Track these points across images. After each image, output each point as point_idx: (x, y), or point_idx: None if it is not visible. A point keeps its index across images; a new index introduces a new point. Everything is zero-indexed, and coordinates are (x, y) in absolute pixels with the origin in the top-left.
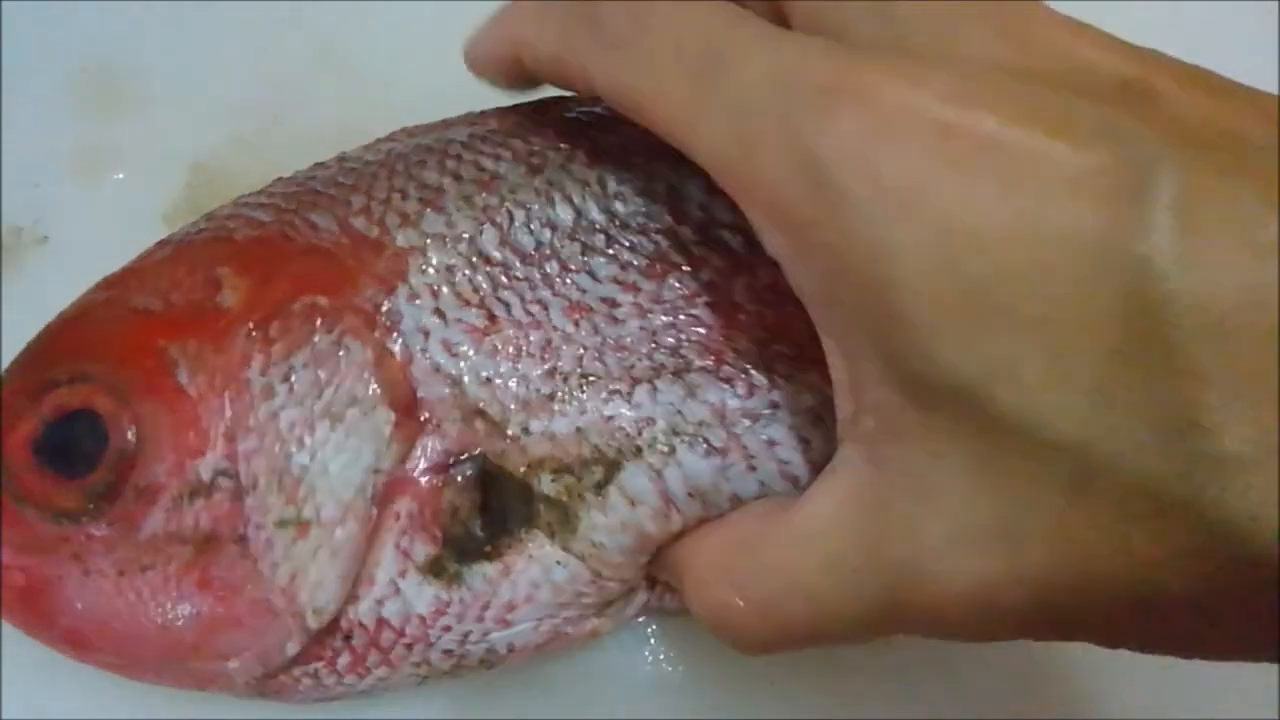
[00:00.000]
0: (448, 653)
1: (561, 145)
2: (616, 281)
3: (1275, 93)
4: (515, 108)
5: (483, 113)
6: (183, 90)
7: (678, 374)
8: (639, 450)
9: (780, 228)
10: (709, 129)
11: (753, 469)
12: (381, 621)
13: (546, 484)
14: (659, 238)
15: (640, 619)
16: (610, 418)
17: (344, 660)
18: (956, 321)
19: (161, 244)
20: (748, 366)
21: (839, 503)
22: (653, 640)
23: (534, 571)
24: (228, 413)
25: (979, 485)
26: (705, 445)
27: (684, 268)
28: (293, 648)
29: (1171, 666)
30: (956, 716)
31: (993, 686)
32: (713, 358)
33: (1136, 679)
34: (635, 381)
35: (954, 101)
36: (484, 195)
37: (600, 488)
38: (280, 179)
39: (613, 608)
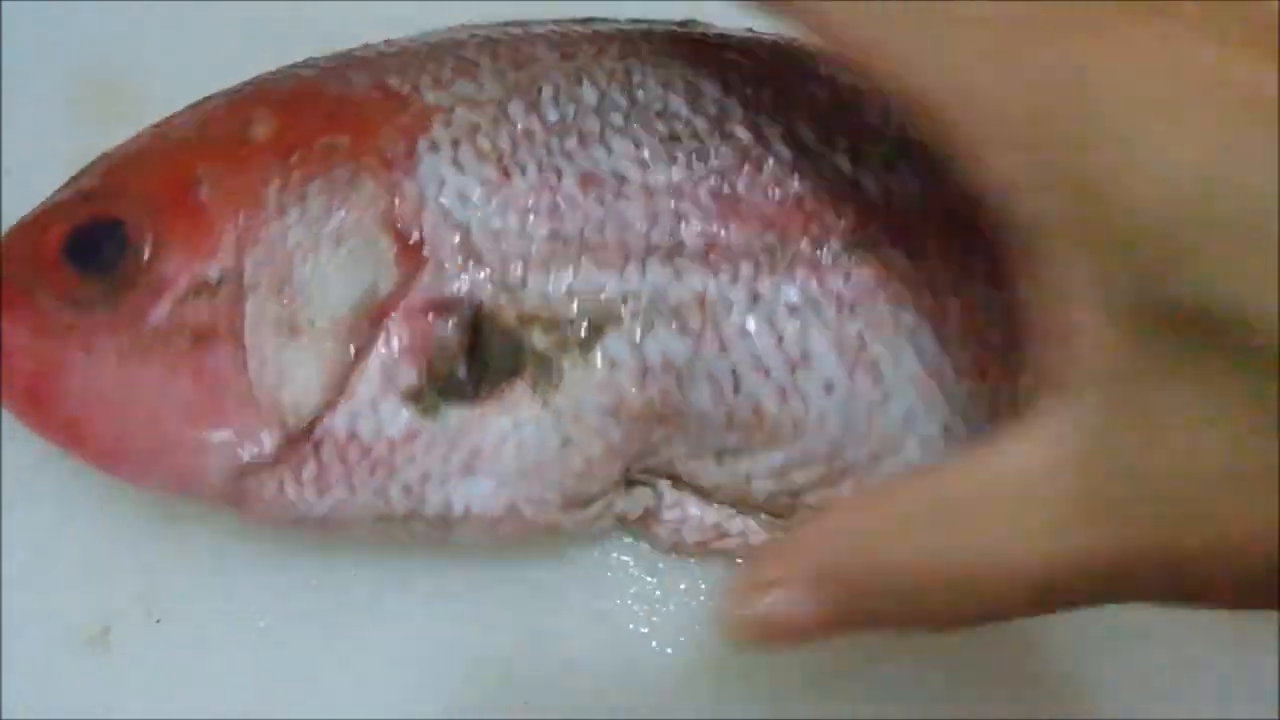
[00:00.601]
0: (407, 490)
1: (596, 43)
2: (629, 159)
3: None
4: (560, 20)
5: (528, 20)
6: (182, 94)
7: (669, 255)
8: (621, 320)
9: (1020, 148)
10: (939, 60)
11: (724, 353)
12: (353, 435)
13: (537, 337)
14: (675, 123)
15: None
16: (599, 286)
17: (309, 470)
18: (1219, 240)
19: (211, 96)
20: (736, 257)
21: (1064, 455)
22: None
23: (505, 423)
24: (241, 225)
25: (1241, 421)
26: (681, 325)
27: (694, 153)
28: (270, 444)
29: (1172, 665)
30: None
31: (991, 689)
32: (704, 242)
33: (1137, 678)
34: (628, 257)
35: (1193, 30)
36: (516, 72)
37: (585, 347)
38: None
39: (575, 508)
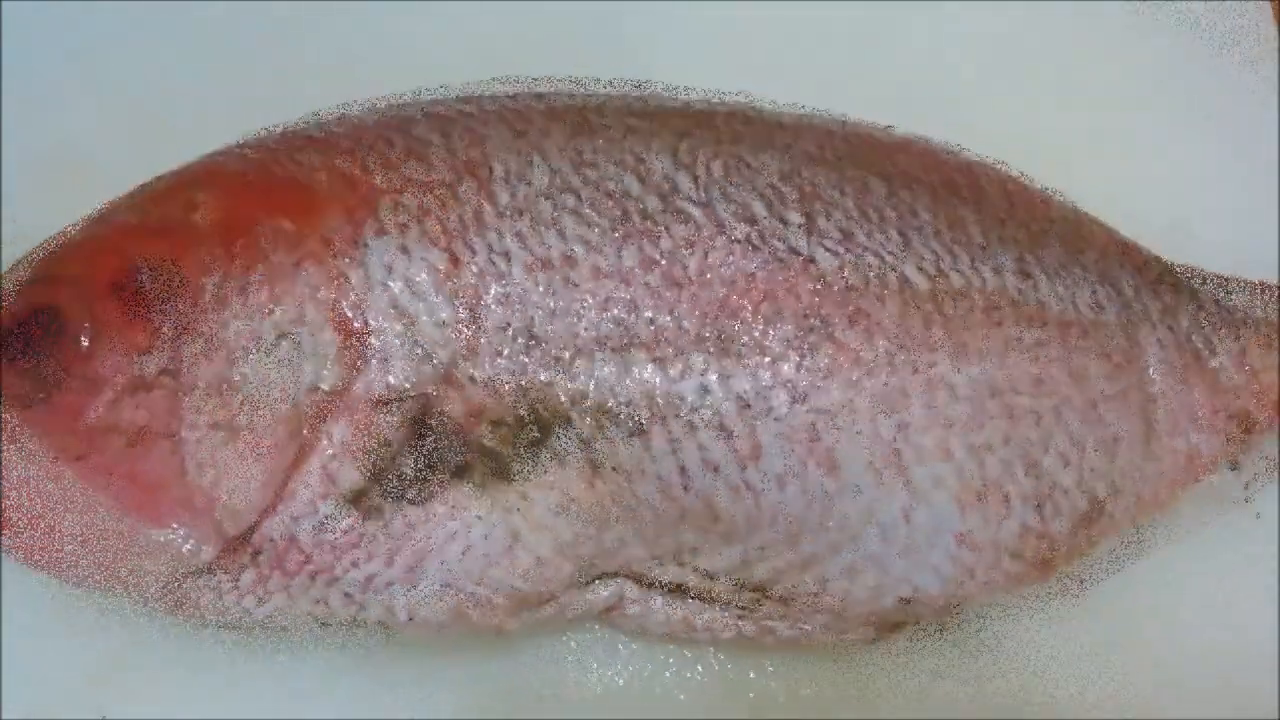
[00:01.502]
0: (348, 596)
1: (547, 118)
2: (580, 240)
3: None
4: (516, 93)
5: (478, 95)
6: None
7: (617, 350)
8: (569, 420)
9: None
10: None
11: (675, 451)
12: (292, 541)
13: (485, 434)
14: (625, 202)
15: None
16: (548, 384)
17: (247, 578)
18: None
19: (159, 177)
20: (685, 349)
21: None
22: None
23: (453, 524)
24: (179, 317)
25: None
26: (630, 426)
27: (644, 233)
28: (207, 552)
29: (1171, 666)
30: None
31: (993, 688)
32: (654, 331)
33: (1137, 679)
34: (577, 352)
35: None
36: (467, 151)
37: (533, 446)
38: (278, 127)
39: (525, 609)
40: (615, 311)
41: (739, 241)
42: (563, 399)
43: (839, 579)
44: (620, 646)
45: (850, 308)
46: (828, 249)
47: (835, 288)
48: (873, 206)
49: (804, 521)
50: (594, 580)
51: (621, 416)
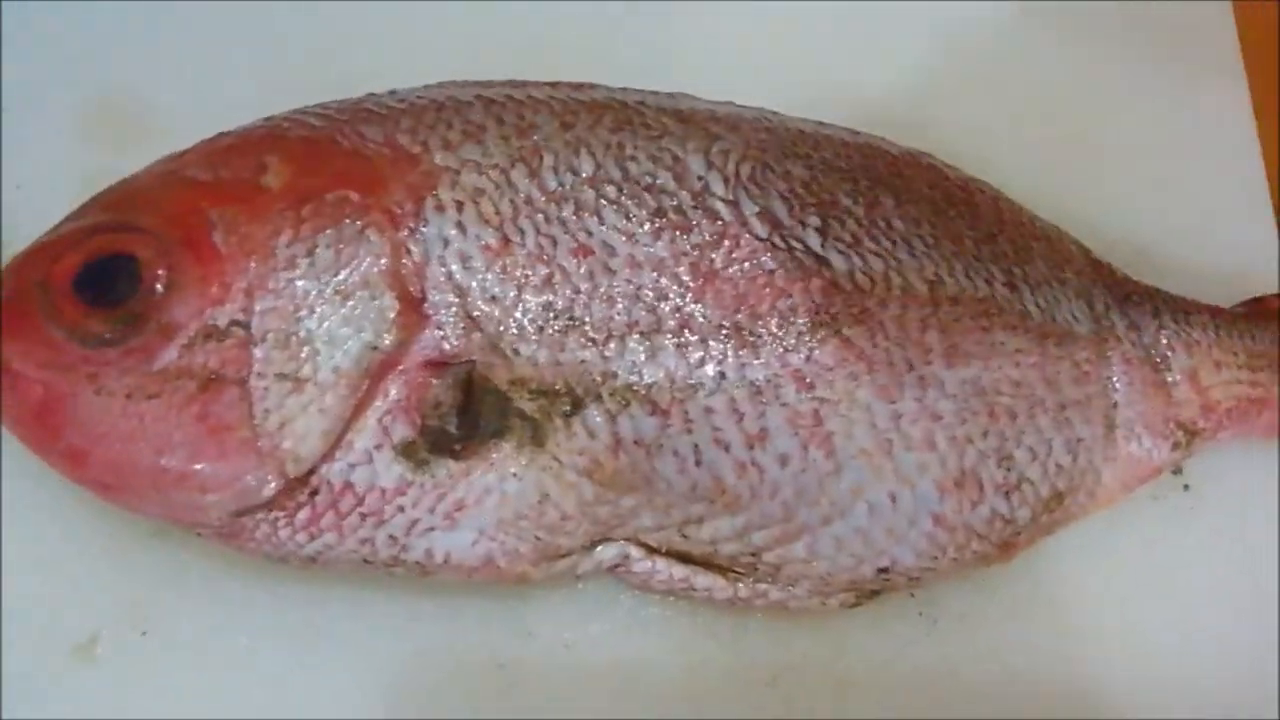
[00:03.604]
0: (392, 538)
1: (592, 112)
2: (619, 229)
3: None
4: (557, 83)
5: (525, 81)
6: (191, 119)
7: (645, 334)
8: (599, 397)
9: None
10: None
11: (690, 430)
12: (347, 485)
13: (525, 401)
14: (661, 196)
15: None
16: (582, 361)
17: (302, 516)
18: None
19: (221, 135)
20: (706, 336)
21: None
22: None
23: (489, 478)
24: (252, 273)
25: None
26: (652, 405)
27: (677, 226)
28: (269, 490)
29: (1170, 666)
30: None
31: (999, 688)
32: (679, 320)
33: (1137, 679)
34: (610, 335)
35: None
36: (519, 139)
37: (567, 416)
38: (337, 100)
39: (545, 561)
40: (646, 299)
41: (762, 240)
42: (595, 376)
43: (827, 549)
44: (622, 596)
45: (857, 308)
46: (840, 253)
47: (845, 289)
48: (882, 216)
49: (800, 496)
50: (605, 541)
51: (645, 396)
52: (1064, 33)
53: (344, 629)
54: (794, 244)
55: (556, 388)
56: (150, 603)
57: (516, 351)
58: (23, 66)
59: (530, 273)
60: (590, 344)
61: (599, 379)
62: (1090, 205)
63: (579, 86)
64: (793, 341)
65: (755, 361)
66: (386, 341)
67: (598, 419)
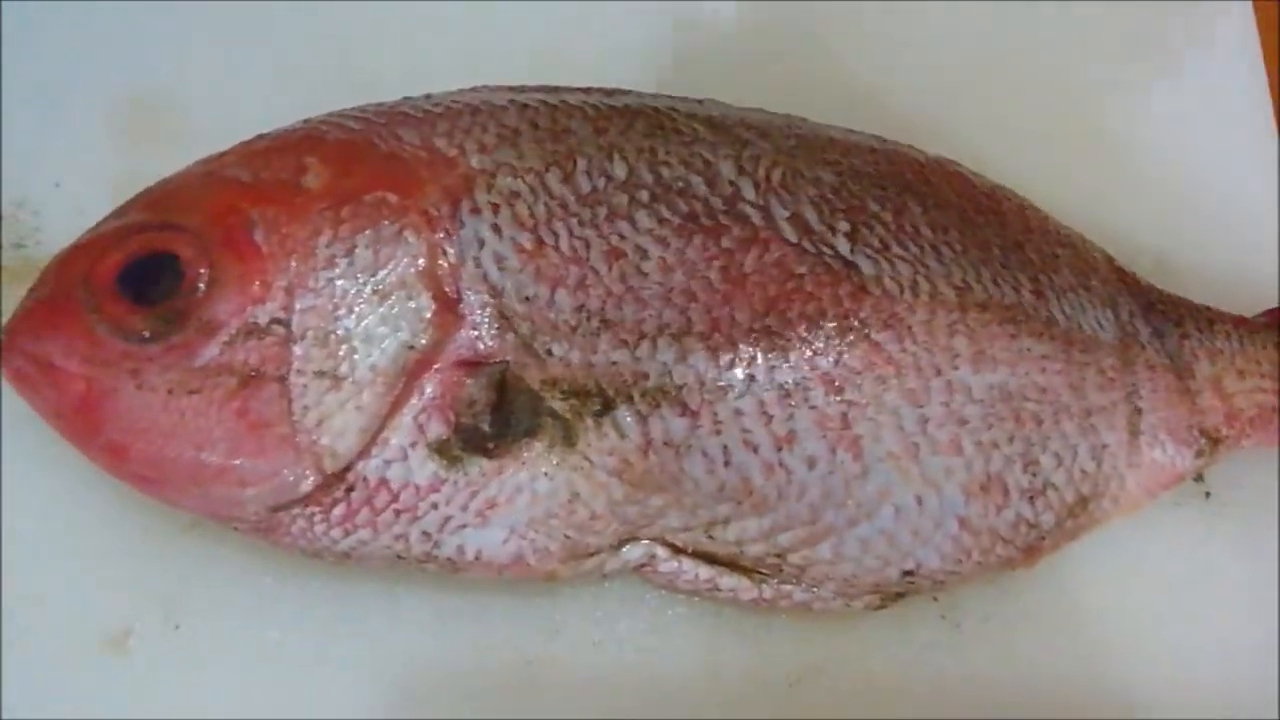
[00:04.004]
0: (426, 535)
1: (625, 117)
2: (651, 234)
3: None
4: (589, 89)
5: (558, 86)
6: (226, 120)
7: (676, 336)
8: (630, 398)
9: None
10: None
11: (719, 431)
12: (383, 482)
13: (557, 401)
14: (693, 201)
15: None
16: (614, 363)
17: (338, 511)
18: None
19: (260, 137)
20: (736, 339)
21: None
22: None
23: (521, 477)
24: (292, 272)
25: None
26: (682, 406)
27: (709, 231)
28: (306, 486)
29: (1192, 671)
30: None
31: (1020, 691)
32: (709, 323)
33: (1129, 673)
34: (642, 336)
35: None
36: (553, 143)
37: (598, 416)
38: (372, 103)
39: (574, 560)
40: (678, 301)
41: (792, 245)
42: (627, 378)
43: (852, 550)
44: (647, 596)
45: (886, 313)
46: (869, 258)
47: (874, 294)
48: (910, 223)
49: (827, 498)
50: (632, 540)
51: (676, 397)
52: (1086, 39)
53: (373, 624)
54: (823, 249)
55: (588, 388)
56: (183, 596)
57: (549, 352)
58: (58, 65)
59: (563, 274)
60: (622, 345)
61: (630, 380)
62: (1112, 213)
63: (611, 92)
64: (822, 345)
65: (784, 364)
66: (423, 341)
67: (628, 419)
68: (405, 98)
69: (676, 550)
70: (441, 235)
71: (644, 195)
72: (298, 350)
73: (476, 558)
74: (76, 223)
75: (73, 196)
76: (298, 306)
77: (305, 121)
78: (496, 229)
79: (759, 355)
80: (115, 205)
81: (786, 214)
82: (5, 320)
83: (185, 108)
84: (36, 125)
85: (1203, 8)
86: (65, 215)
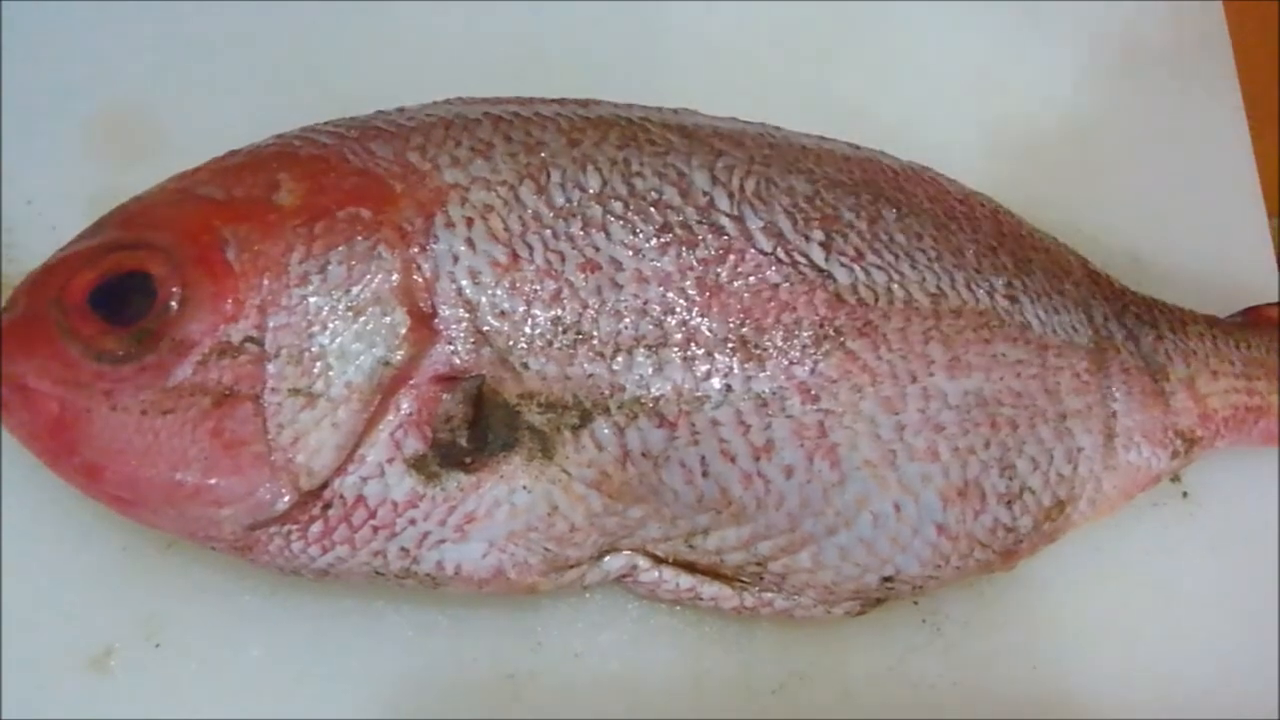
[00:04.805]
0: (404, 550)
1: (598, 128)
2: (625, 245)
3: None
4: (563, 100)
5: (531, 98)
6: (198, 135)
7: (652, 348)
8: (608, 410)
9: None
10: None
11: (697, 442)
12: (360, 499)
13: (534, 414)
14: (667, 212)
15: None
16: (590, 375)
17: (316, 529)
18: None
19: (233, 153)
20: (713, 350)
21: None
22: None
23: (500, 491)
24: (265, 290)
25: None
26: (659, 418)
27: (683, 241)
28: (282, 504)
29: (1143, 660)
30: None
31: (1001, 694)
32: (685, 334)
33: (1109, 674)
34: (618, 349)
35: None
36: (527, 156)
37: (576, 429)
38: (345, 117)
39: (554, 572)
40: (653, 313)
41: (767, 254)
42: (603, 390)
43: (832, 558)
44: (629, 606)
45: (861, 321)
46: (844, 266)
47: (849, 302)
48: (884, 230)
49: (806, 507)
50: (613, 551)
51: (653, 409)
52: (1060, 42)
53: (355, 640)
54: (798, 258)
55: (565, 401)
56: (163, 615)
57: (525, 366)
58: (30, 81)
59: (538, 288)
60: (598, 358)
61: (607, 392)
62: (1086, 216)
63: (584, 103)
64: (798, 354)
65: (761, 374)
66: (398, 357)
67: (606, 431)
68: (379, 111)
69: (657, 560)
70: (416, 250)
71: (617, 207)
72: (272, 368)
73: (456, 573)
74: (49, 240)
75: (45, 214)
76: (271, 324)
77: (278, 137)
78: (471, 243)
79: (735, 365)
80: (88, 223)
81: (761, 224)
82: None
83: (159, 124)
84: (8, 141)
85: (1177, 9)
86: (37, 233)
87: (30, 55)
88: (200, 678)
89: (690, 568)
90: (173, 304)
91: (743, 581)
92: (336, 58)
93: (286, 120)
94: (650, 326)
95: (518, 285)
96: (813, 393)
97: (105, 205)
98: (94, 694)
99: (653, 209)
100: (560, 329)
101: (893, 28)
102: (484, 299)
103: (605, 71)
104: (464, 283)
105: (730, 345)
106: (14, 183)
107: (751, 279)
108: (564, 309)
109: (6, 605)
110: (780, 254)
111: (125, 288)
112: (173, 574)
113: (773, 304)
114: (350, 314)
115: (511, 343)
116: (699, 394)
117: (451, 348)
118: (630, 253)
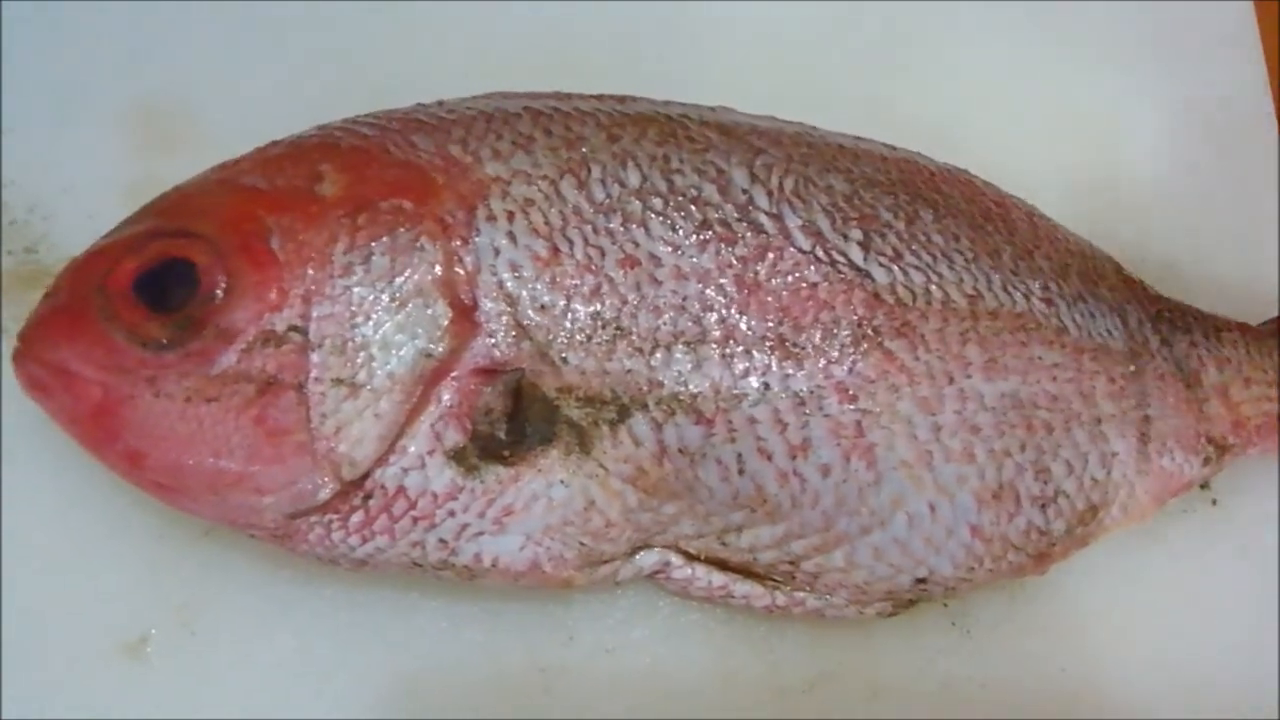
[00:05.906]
0: (442, 542)
1: (638, 125)
2: (665, 241)
3: None
4: (602, 95)
5: (570, 93)
6: (234, 127)
7: (691, 344)
8: (646, 405)
9: None
10: None
11: (734, 439)
12: (401, 490)
13: (572, 409)
14: (706, 209)
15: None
16: (629, 371)
17: (356, 519)
18: None
19: (274, 143)
20: (751, 347)
21: None
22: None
23: (538, 484)
24: (309, 279)
25: None
26: (697, 414)
27: (722, 238)
28: (324, 493)
29: (1172, 665)
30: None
31: (1029, 698)
32: (724, 330)
33: (1138, 679)
34: (656, 345)
35: None
36: (568, 151)
37: (614, 424)
38: (385, 109)
39: (589, 567)
40: (692, 309)
41: (805, 253)
42: (642, 385)
43: (865, 558)
44: (661, 603)
45: (899, 321)
46: (882, 266)
47: (887, 302)
48: (922, 231)
49: (841, 506)
50: (646, 547)
51: (691, 405)
52: (1091, 46)
53: (388, 631)
54: (837, 257)
55: (603, 396)
56: (200, 602)
57: (565, 360)
58: (68, 70)
59: (579, 283)
60: (637, 353)
61: (645, 388)
62: (1119, 221)
63: (622, 99)
64: (836, 353)
65: (799, 373)
66: (440, 349)
67: (643, 427)
68: (419, 104)
69: (690, 557)
70: (457, 242)
71: (657, 203)
72: (315, 358)
73: (493, 565)
74: (87, 228)
75: (84, 202)
76: (315, 314)
77: (319, 128)
78: (512, 236)
79: (773, 363)
80: (126, 211)
81: (800, 222)
82: (19, 326)
83: (196, 113)
84: (48, 130)
85: (1206, 10)
86: (76, 221)
87: (68, 45)
88: (234, 665)
89: (723, 565)
90: (217, 292)
91: (775, 580)
92: (373, 50)
93: (322, 111)
94: (689, 323)
95: (558, 280)
96: (850, 392)
97: (142, 194)
98: (129, 680)
99: (692, 206)
100: (600, 324)
101: (925, 33)
102: (525, 293)
103: (643, 67)
104: (505, 276)
105: (768, 343)
106: (53, 171)
107: (790, 277)
108: (603, 304)
109: (43, 592)
110: (819, 253)
111: (168, 276)
112: (208, 561)
113: (811, 303)
114: (393, 305)
115: (551, 337)
116: (737, 391)
117: (492, 341)
118: (670, 249)
